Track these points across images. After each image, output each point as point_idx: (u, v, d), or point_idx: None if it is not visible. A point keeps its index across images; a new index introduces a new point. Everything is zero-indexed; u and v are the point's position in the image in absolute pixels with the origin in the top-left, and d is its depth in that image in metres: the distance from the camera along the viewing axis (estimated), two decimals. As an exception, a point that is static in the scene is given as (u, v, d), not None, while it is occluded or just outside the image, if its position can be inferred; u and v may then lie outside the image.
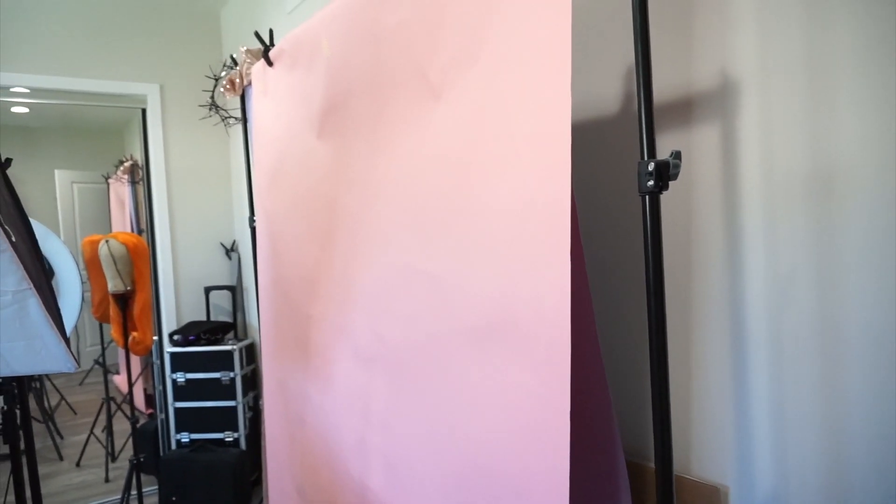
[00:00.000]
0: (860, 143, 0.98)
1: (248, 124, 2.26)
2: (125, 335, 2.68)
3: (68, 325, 2.25)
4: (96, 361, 4.60)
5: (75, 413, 4.48)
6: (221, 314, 3.62)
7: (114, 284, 2.64)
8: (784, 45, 1.07)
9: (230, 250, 3.62)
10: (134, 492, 3.21)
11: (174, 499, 2.97)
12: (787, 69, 1.07)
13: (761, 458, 1.17)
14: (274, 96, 1.87)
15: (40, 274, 1.29)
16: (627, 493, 1.26)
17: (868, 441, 1.01)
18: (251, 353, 3.36)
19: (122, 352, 4.40)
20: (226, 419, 3.15)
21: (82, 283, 2.35)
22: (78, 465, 3.74)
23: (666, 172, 0.85)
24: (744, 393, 1.19)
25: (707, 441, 1.27)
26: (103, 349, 4.36)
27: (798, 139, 1.06)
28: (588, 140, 1.48)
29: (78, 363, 1.20)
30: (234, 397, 3.13)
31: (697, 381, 1.28)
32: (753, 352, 1.17)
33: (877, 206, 0.97)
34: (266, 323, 2.02)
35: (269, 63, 1.85)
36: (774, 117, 1.10)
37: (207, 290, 3.50)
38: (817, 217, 1.05)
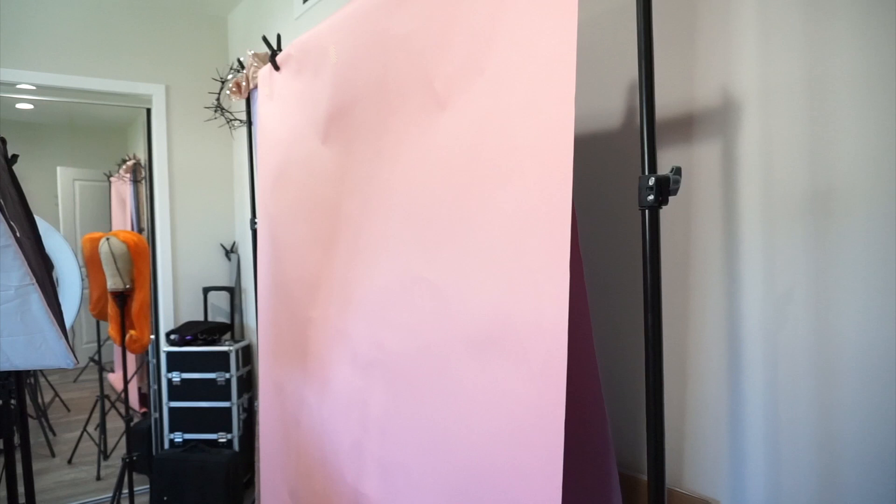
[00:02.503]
0: (858, 163, 1.00)
1: (252, 127, 2.27)
2: (123, 333, 2.68)
3: (67, 321, 2.26)
4: (92, 359, 4.60)
5: (69, 410, 4.47)
6: (219, 315, 3.63)
7: (113, 282, 2.65)
8: (785, 64, 1.09)
9: (230, 251, 3.63)
10: (125, 491, 3.20)
11: (165, 498, 2.96)
12: (787, 88, 1.09)
13: (754, 474, 1.18)
14: (280, 100, 1.88)
15: (43, 270, 1.30)
16: (619, 502, 1.26)
17: (861, 459, 1.02)
18: (247, 355, 3.36)
19: (118, 350, 4.40)
20: (220, 420, 3.14)
21: (82, 278, 2.36)
22: (70, 462, 3.73)
23: (666, 187, 0.86)
24: (738, 408, 1.20)
25: (700, 455, 1.28)
26: (99, 347, 4.36)
27: (797, 158, 1.08)
28: (590, 153, 1.49)
29: (77, 359, 1.21)
30: (229, 398, 3.13)
31: (692, 395, 1.29)
32: (749, 368, 1.18)
33: (873, 225, 0.99)
34: (264, 324, 2.03)
35: (276, 67, 1.87)
36: (774, 135, 1.11)
37: (206, 290, 3.51)
38: (815, 235, 1.06)
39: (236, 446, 3.14)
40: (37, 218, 2.32)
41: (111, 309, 2.99)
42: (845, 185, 1.02)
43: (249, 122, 2.29)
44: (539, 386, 0.97)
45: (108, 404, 4.30)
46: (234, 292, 3.58)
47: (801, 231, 1.08)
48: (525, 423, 0.99)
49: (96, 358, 4.44)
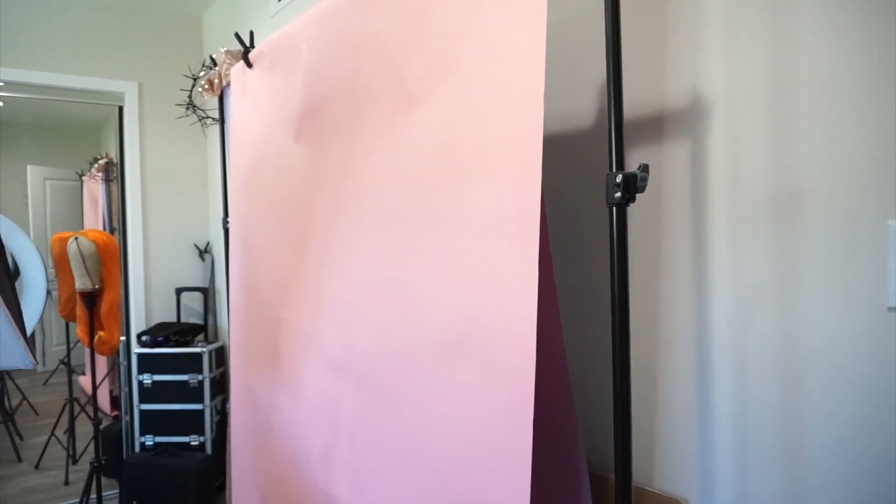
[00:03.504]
0: (821, 165, 1.01)
1: (225, 125, 2.24)
2: (91, 334, 2.62)
3: (32, 322, 2.20)
4: (62, 361, 4.50)
5: (37, 414, 4.36)
6: (192, 316, 3.57)
7: (81, 282, 2.59)
8: (752, 66, 1.10)
9: (204, 252, 3.58)
10: (94, 496, 3.13)
11: (135, 503, 2.90)
12: (754, 90, 1.10)
13: (722, 473, 1.18)
14: (252, 98, 1.86)
15: (0, 269, 1.26)
16: (589, 502, 1.26)
17: (825, 457, 1.03)
18: (221, 357, 3.31)
19: (88, 352, 4.30)
20: (192, 423, 3.09)
21: (48, 280, 2.30)
22: (37, 467, 3.64)
23: (633, 185, 0.86)
24: (707, 408, 1.21)
25: (669, 454, 1.28)
26: (69, 349, 4.26)
27: (763, 159, 1.09)
28: (561, 154, 1.49)
29: (36, 360, 1.17)
30: (201, 400, 3.08)
31: (662, 395, 1.29)
32: (717, 368, 1.18)
33: (836, 226, 1.00)
34: (236, 327, 1.99)
35: (249, 65, 1.84)
36: (742, 137, 1.12)
37: (179, 291, 3.45)
38: (780, 237, 1.07)
39: (209, 449, 3.09)
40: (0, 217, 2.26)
41: (79, 310, 2.93)
42: (809, 187, 1.03)
43: (222, 121, 2.25)
44: (508, 388, 0.96)
45: (77, 408, 4.21)
46: (207, 293, 3.52)
47: (767, 232, 1.09)
48: (494, 425, 0.99)
49: (66, 360, 4.35)
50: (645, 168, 0.88)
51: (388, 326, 1.24)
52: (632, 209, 1.33)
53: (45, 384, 4.69)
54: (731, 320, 1.15)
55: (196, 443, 3.08)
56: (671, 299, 1.26)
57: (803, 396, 1.05)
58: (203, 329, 3.36)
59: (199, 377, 3.07)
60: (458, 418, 1.05)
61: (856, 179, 0.97)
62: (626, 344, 0.88)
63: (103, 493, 3.27)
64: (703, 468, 1.22)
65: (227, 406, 3.26)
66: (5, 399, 4.25)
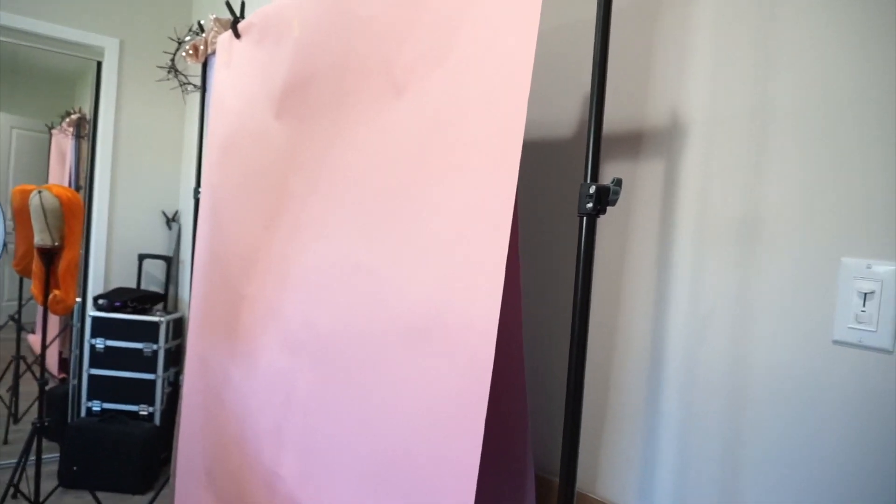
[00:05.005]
0: (787, 196, 1.05)
1: (206, 94, 2.20)
2: (46, 292, 2.55)
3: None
4: (11, 317, 4.36)
5: (-20, 369, 4.23)
6: (153, 284, 3.50)
7: (41, 238, 2.52)
8: (732, 96, 1.13)
9: (171, 220, 3.52)
10: (33, 457, 3.05)
11: (75, 468, 2.84)
12: (731, 119, 1.13)
13: (662, 485, 1.22)
14: (237, 69, 1.83)
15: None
16: (533, 500, 1.29)
17: (764, 476, 1.07)
18: (179, 328, 3.26)
19: (40, 310, 4.18)
20: (143, 392, 3.04)
21: (4, 225, 2.23)
22: (-25, 423, 3.54)
23: (605, 197, 0.88)
24: (654, 420, 1.24)
25: (614, 462, 1.32)
26: (20, 305, 4.14)
27: (733, 184, 1.12)
28: (539, 159, 1.51)
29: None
30: (154, 370, 3.03)
31: (612, 403, 1.32)
32: (668, 381, 1.22)
33: (794, 257, 1.04)
34: (197, 297, 1.97)
35: (237, 35, 1.82)
36: (714, 162, 1.15)
37: (141, 257, 3.38)
38: (740, 261, 1.11)
39: (157, 420, 3.04)
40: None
41: (36, 266, 2.85)
42: (773, 215, 1.06)
43: (204, 89, 2.22)
44: (465, 380, 0.97)
45: (24, 366, 4.09)
46: (171, 262, 3.46)
47: (729, 254, 1.12)
48: (448, 415, 1.00)
49: (16, 317, 4.22)
50: (618, 182, 0.90)
51: (352, 309, 1.24)
52: (601, 220, 1.35)
53: (-9, 339, 4.54)
54: (686, 335, 1.19)
55: (145, 413, 3.04)
56: (630, 310, 1.29)
57: (746, 415, 1.09)
58: (163, 298, 3.31)
59: (154, 346, 3.02)
60: (414, 404, 1.07)
61: (817, 213, 1.01)
62: (583, 349, 0.90)
63: (43, 456, 3.20)
64: (645, 478, 1.25)
65: (181, 378, 3.21)
66: (-52, 350, 4.11)
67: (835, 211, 0.99)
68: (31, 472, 2.98)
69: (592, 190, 0.88)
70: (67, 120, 4.11)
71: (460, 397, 0.98)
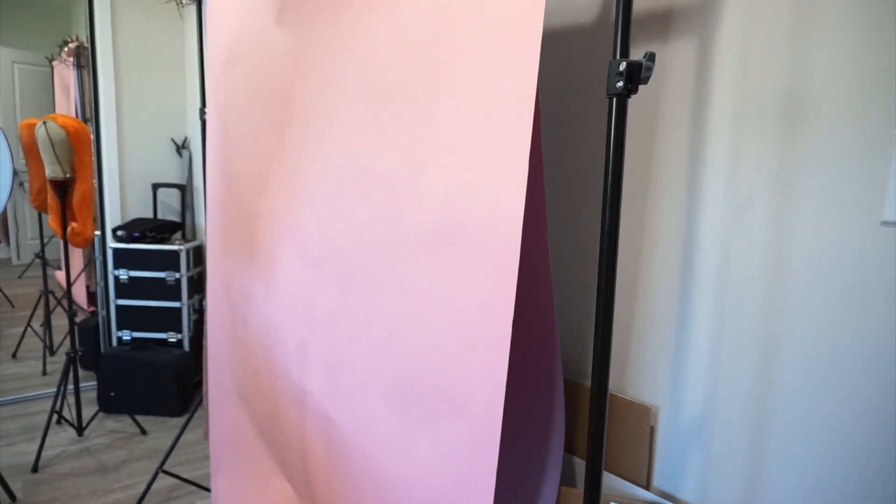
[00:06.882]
0: (834, 70, 0.95)
1: (202, 5, 2.09)
2: (64, 225, 2.55)
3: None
4: (36, 255, 4.42)
5: (13, 306, 4.33)
6: (170, 213, 3.49)
7: (52, 170, 2.48)
8: (775, -42, 1.02)
9: (181, 147, 3.46)
10: (71, 386, 3.16)
11: (112, 394, 2.94)
12: (774, -15, 1.02)
13: (693, 383, 1.20)
14: (231, -25, 1.71)
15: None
16: (562, 406, 1.28)
17: (802, 369, 1.04)
18: (199, 255, 3.27)
19: (62, 244, 4.23)
20: (170, 320, 3.09)
21: (13, 160, 2.20)
22: (14, 356, 3.66)
23: (637, 74, 0.80)
24: (686, 317, 1.20)
25: (643, 363, 1.29)
26: (42, 242, 4.18)
27: (774, 60, 1.03)
28: (559, 47, 1.41)
29: (4, 241, 1.11)
30: (179, 298, 3.07)
31: (642, 301, 1.29)
32: (701, 276, 1.17)
33: (840, 134, 0.96)
34: (213, 219, 1.94)
35: (228, -65, 1.69)
36: (754, 35, 1.05)
37: (155, 186, 3.35)
38: (781, 142, 1.03)
39: (186, 346, 3.11)
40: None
41: (51, 199, 2.84)
42: (817, 90, 0.97)
43: (199, 1, 2.10)
44: (490, 281, 0.93)
45: (53, 301, 4.18)
46: (185, 190, 3.43)
47: (769, 136, 1.04)
48: (473, 319, 0.97)
49: (40, 254, 4.27)
50: (651, 57, 0.82)
51: (369, 218, 1.20)
52: (629, 106, 1.27)
53: (20, 277, 4.63)
54: (722, 227, 1.13)
55: (174, 340, 3.10)
56: (661, 201, 1.23)
57: (785, 305, 1.05)
58: (181, 227, 3.30)
59: (177, 275, 3.05)
60: (437, 312, 1.04)
61: (870, 86, 0.92)
62: (614, 243, 0.85)
63: (81, 385, 3.31)
64: (676, 377, 1.23)
65: (205, 304, 3.25)
66: (-21, 290, 4.20)
67: (886, 83, 0.90)
68: (71, 400, 3.09)
69: (623, 67, 0.80)
70: (66, 49, 3.98)
71: (486, 299, 0.94)
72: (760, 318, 1.08)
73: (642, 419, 1.28)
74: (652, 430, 1.28)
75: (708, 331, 1.16)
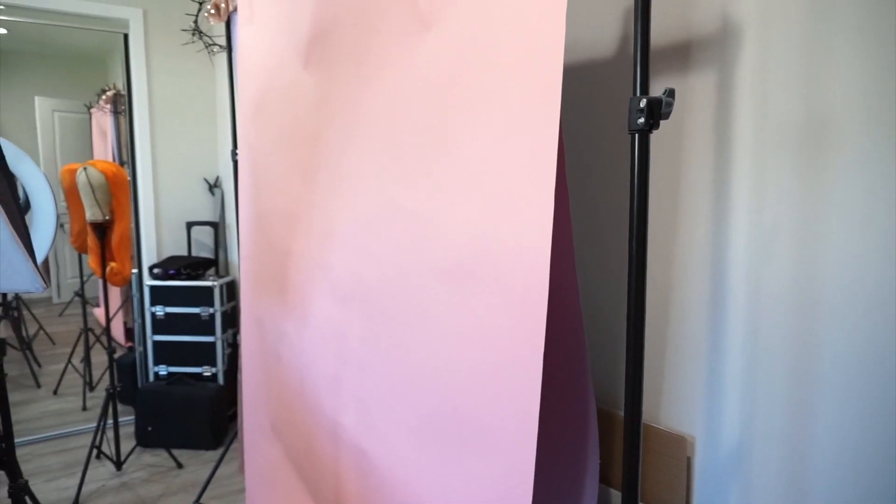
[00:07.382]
0: (854, 93, 0.96)
1: (232, 53, 2.17)
2: (103, 265, 2.64)
3: (43, 249, 2.21)
4: (76, 293, 4.56)
5: (54, 343, 4.46)
6: (203, 250, 3.58)
7: (91, 213, 2.58)
8: (790, -12, 1.03)
9: (213, 186, 3.56)
10: (111, 421, 3.23)
11: (150, 429, 2.99)
12: (788, 13, 1.03)
13: (729, 411, 1.18)
14: (260, 23, 1.79)
15: (6, 192, 1.25)
16: (596, 437, 1.27)
17: (837, 398, 1.02)
18: (232, 291, 3.34)
19: (101, 283, 4.36)
20: (204, 354, 3.15)
21: (56, 205, 2.29)
22: (55, 392, 3.75)
23: (658, 110, 0.82)
24: (718, 345, 1.19)
25: (678, 392, 1.28)
26: (82, 281, 4.32)
27: (794, 88, 1.03)
28: (581, 81, 1.43)
29: (47, 283, 1.17)
30: (213, 333, 3.13)
31: (673, 330, 1.28)
32: (731, 303, 1.17)
33: (865, 158, 0.95)
34: (245, 258, 1.99)
35: (256, -14, 1.77)
36: (772, 64, 1.06)
37: (189, 225, 3.45)
38: (805, 168, 1.03)
39: (221, 380, 3.16)
40: (6, 142, 2.23)
41: (91, 241, 2.94)
42: (840, 116, 0.98)
43: (230, 48, 2.19)
44: (518, 315, 0.94)
45: (92, 338, 4.29)
46: (217, 227, 3.52)
47: (793, 162, 1.05)
48: (503, 353, 0.98)
49: (80, 292, 4.41)
50: (670, 93, 0.83)
51: (396, 256, 1.22)
52: (652, 139, 1.28)
53: (60, 315, 4.77)
54: (750, 254, 1.12)
55: (209, 374, 3.15)
56: (689, 230, 1.23)
57: (817, 334, 1.03)
58: (214, 263, 3.38)
59: (211, 310, 3.11)
60: (467, 347, 1.05)
61: (887, 109, 0.92)
62: (642, 276, 0.86)
63: (120, 419, 3.38)
64: (711, 406, 1.21)
65: (238, 339, 3.31)
66: (22, 328, 4.34)
67: (914, 105, 0.90)
68: (110, 434, 3.15)
69: (643, 104, 0.82)
70: (104, 97, 4.16)
71: (515, 334, 0.95)
72: (793, 344, 1.07)
73: (679, 450, 1.26)
74: (689, 461, 1.26)
75: (741, 358, 1.15)
